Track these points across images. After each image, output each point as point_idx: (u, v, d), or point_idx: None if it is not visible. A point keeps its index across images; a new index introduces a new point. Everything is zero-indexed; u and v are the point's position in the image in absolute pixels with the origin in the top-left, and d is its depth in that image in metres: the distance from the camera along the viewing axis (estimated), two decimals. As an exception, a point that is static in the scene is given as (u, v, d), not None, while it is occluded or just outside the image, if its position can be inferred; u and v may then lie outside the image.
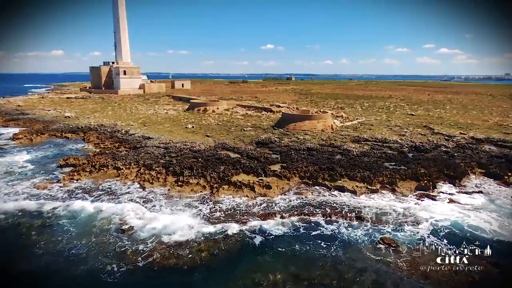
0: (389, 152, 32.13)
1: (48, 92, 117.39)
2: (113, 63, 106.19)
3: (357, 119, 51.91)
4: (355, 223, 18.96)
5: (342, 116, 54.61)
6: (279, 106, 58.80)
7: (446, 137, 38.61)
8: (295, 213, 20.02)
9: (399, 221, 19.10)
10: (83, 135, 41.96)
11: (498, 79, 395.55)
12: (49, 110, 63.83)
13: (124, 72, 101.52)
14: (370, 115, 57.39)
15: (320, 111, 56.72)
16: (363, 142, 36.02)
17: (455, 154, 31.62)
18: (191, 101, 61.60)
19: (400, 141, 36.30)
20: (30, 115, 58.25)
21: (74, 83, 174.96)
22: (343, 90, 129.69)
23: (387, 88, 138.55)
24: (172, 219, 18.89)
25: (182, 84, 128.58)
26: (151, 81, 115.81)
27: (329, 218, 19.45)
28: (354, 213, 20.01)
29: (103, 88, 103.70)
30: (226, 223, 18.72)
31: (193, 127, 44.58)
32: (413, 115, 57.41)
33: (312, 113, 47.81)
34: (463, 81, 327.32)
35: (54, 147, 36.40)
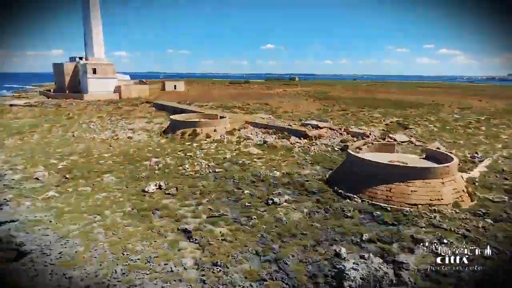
0: None
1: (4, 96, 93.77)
2: (80, 58, 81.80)
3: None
4: None
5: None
6: (318, 127, 34.94)
7: None
8: None
9: None
10: None
11: (502, 80, 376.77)
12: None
13: (94, 71, 77.11)
14: (457, 139, 34.10)
15: (392, 138, 32.86)
16: None
17: None
18: (171, 117, 37.52)
19: None
20: None
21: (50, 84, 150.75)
22: (364, 93, 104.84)
23: (412, 91, 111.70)
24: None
25: (175, 86, 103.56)
26: (141, 82, 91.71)
27: None
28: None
29: (67, 91, 79.40)
30: None
31: (160, 188, 20.72)
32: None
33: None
34: (466, 81, 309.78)
35: None
